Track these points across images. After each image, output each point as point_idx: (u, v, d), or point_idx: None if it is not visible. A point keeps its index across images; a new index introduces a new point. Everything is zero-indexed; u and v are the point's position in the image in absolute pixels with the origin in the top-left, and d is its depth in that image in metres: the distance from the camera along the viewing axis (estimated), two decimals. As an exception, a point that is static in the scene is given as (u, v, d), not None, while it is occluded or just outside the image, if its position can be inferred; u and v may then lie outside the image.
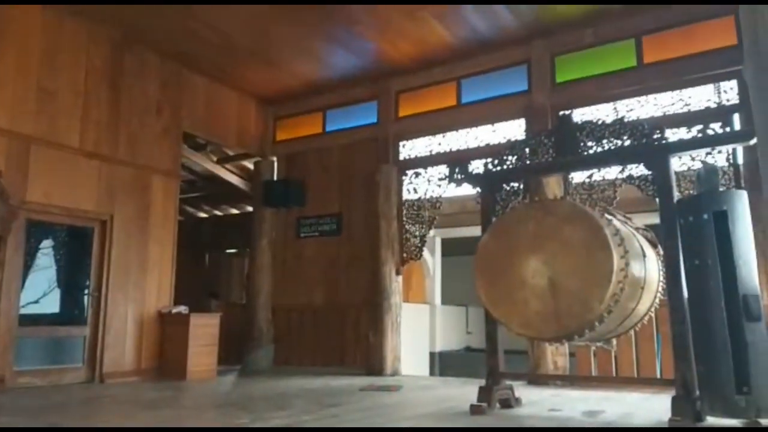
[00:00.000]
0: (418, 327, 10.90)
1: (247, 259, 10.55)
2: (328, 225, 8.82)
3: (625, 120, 6.22)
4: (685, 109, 6.44)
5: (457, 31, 7.24)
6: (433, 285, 12.26)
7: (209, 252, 12.53)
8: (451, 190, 8.23)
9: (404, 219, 8.13)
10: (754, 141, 3.65)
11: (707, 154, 5.76)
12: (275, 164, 9.51)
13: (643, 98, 6.70)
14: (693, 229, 3.98)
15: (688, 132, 6.22)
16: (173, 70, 8.11)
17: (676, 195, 4.35)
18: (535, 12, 6.81)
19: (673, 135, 6.15)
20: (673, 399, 3.93)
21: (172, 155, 8.05)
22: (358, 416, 4.58)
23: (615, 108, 6.85)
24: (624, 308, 4.33)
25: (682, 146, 4.84)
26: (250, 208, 10.10)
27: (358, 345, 8.15)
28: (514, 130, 7.52)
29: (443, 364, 11.67)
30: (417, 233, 8.07)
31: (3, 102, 6.25)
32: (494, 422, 4.31)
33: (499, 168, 5.53)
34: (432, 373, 11.09)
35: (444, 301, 12.55)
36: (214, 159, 10.33)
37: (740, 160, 5.92)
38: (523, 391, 5.40)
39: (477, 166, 7.49)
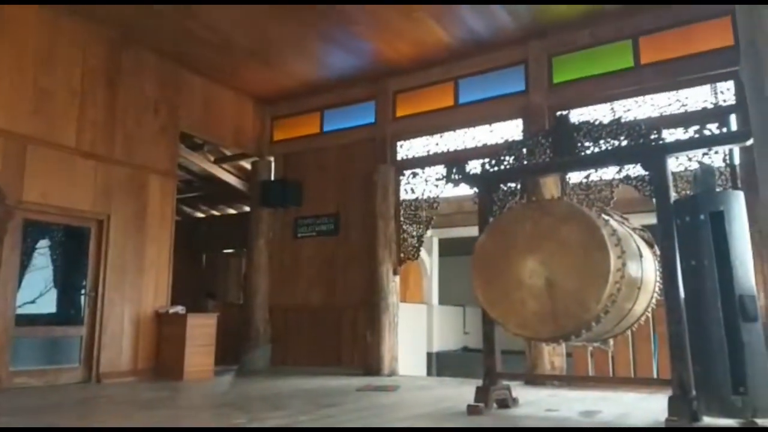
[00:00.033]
0: (416, 327, 10.90)
1: (244, 259, 10.54)
2: (326, 225, 8.82)
3: (622, 120, 6.25)
4: (682, 110, 6.45)
5: (455, 32, 7.24)
6: (430, 285, 12.28)
7: (206, 252, 12.51)
8: (449, 191, 8.24)
9: (402, 219, 8.13)
10: (750, 142, 3.66)
11: (704, 154, 5.76)
12: (272, 164, 9.50)
13: (640, 99, 6.71)
14: (690, 229, 3.99)
15: (685, 132, 6.23)
16: (170, 70, 8.10)
17: (673, 195, 4.35)
18: (532, 12, 6.82)
19: (670, 135, 6.17)
20: (670, 399, 3.94)
21: (169, 155, 8.04)
22: (354, 416, 4.58)
23: (612, 108, 6.85)
24: (621, 308, 4.33)
25: (679, 147, 4.85)
26: (247, 208, 10.09)
27: (356, 345, 8.15)
28: (511, 130, 7.52)
29: (440, 364, 11.68)
30: (414, 233, 8.07)
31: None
32: (491, 422, 4.31)
33: (496, 168, 5.54)
34: (429, 373, 11.10)
35: (441, 302, 12.57)
36: (212, 159, 10.32)
37: (737, 161, 5.93)
38: (520, 392, 5.40)
39: (474, 167, 7.49)
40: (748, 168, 5.66)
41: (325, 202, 8.90)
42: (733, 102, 6.16)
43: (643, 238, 4.90)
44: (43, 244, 6.92)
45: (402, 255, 8.08)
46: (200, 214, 13.13)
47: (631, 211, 5.69)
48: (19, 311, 6.36)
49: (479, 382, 4.84)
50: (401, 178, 8.24)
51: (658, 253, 4.62)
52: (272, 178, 9.40)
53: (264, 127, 9.54)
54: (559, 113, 6.96)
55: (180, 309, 7.55)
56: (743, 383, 3.62)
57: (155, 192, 7.72)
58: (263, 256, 9.09)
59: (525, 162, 5.48)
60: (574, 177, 6.67)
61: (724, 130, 6.01)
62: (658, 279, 4.72)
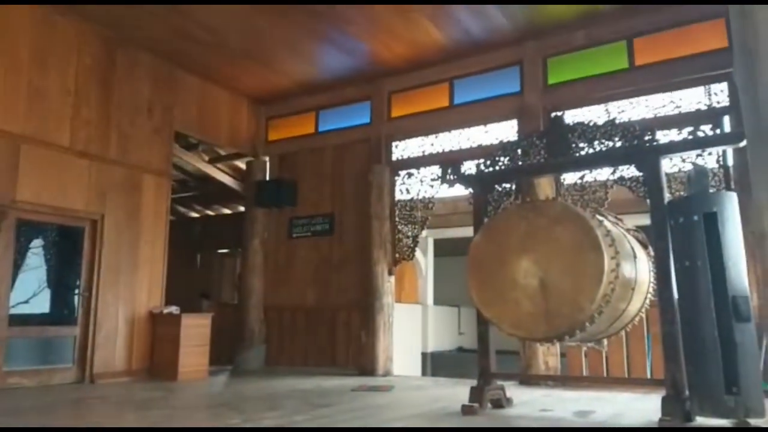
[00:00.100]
0: (411, 327, 10.90)
1: (239, 259, 10.53)
2: (321, 225, 8.82)
3: (617, 121, 6.28)
4: (676, 111, 6.48)
5: (450, 32, 7.25)
6: (425, 285, 12.28)
7: (201, 252, 12.49)
8: (444, 191, 8.25)
9: (397, 219, 8.13)
10: (743, 143, 3.68)
11: (698, 155, 5.79)
12: (267, 164, 9.49)
13: (634, 100, 6.73)
14: (683, 230, 4.00)
15: (678, 134, 6.26)
16: (165, 70, 8.08)
17: (667, 196, 4.37)
18: (527, 13, 6.83)
19: (664, 137, 6.20)
20: (663, 399, 3.96)
21: (164, 155, 8.01)
22: (349, 416, 4.58)
23: (607, 109, 6.87)
24: (615, 309, 4.35)
25: (673, 148, 4.87)
26: (242, 208, 10.08)
27: (350, 345, 8.15)
28: (506, 131, 7.53)
29: (435, 364, 11.69)
30: (409, 233, 8.07)
31: (-7, 100, 6.21)
32: (485, 422, 4.32)
33: (491, 169, 5.56)
34: (424, 373, 11.10)
35: (436, 302, 12.57)
36: (206, 159, 10.30)
37: (730, 162, 5.96)
38: (514, 392, 5.41)
39: (469, 167, 7.52)
40: (742, 169, 5.68)
41: (320, 202, 8.90)
42: (727, 104, 6.19)
43: (637, 238, 4.92)
44: (37, 243, 6.89)
45: (397, 255, 8.08)
46: (195, 214, 13.11)
47: (625, 212, 5.71)
48: (13, 311, 6.33)
49: (474, 382, 4.85)
50: (396, 178, 8.25)
51: (651, 253, 4.64)
52: (267, 178, 9.39)
53: (259, 127, 9.53)
54: (553, 114, 7.00)
55: (174, 309, 7.53)
56: (736, 383, 3.64)
57: (150, 192, 7.70)
58: (258, 256, 9.08)
59: (520, 163, 5.50)
60: (569, 178, 6.68)
61: (718, 131, 6.03)
62: (651, 280, 4.74)
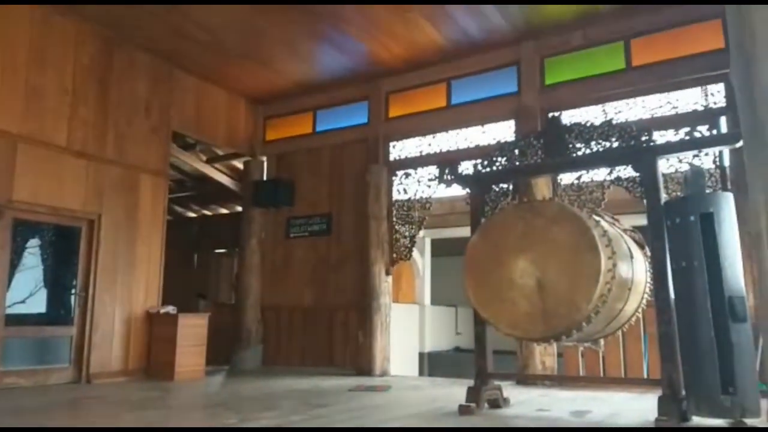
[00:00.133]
0: (408, 327, 10.91)
1: (236, 259, 10.50)
2: (318, 225, 8.81)
3: (614, 122, 6.29)
4: (673, 112, 6.49)
5: (448, 33, 7.25)
6: (422, 285, 12.29)
7: (198, 252, 12.46)
8: (441, 191, 8.25)
9: (394, 219, 8.13)
10: (740, 144, 3.69)
11: (694, 156, 5.80)
12: (265, 164, 9.49)
13: (631, 100, 6.74)
14: (680, 230, 4.01)
15: (675, 134, 6.27)
16: (162, 69, 8.06)
17: (664, 197, 4.38)
18: (524, 14, 6.84)
19: (660, 137, 6.21)
20: (660, 399, 3.97)
21: (161, 154, 8.00)
22: (346, 416, 4.58)
23: (604, 110, 6.88)
24: (611, 309, 4.36)
25: (670, 148, 4.87)
26: (239, 208, 10.06)
27: (348, 345, 8.15)
28: (503, 131, 7.53)
29: (432, 364, 11.69)
30: (407, 233, 8.08)
31: (-11, 100, 6.20)
32: (482, 422, 4.33)
33: (488, 169, 5.57)
34: (421, 373, 11.11)
35: (433, 302, 12.58)
36: (204, 158, 10.28)
37: (727, 163, 5.97)
38: (511, 392, 5.42)
39: (467, 167, 7.54)
40: (738, 170, 5.70)
41: (318, 202, 8.89)
42: (724, 104, 6.20)
43: (633, 239, 4.93)
44: (34, 243, 6.87)
45: (394, 255, 8.08)
46: (192, 214, 13.08)
47: (622, 212, 5.72)
48: (9, 311, 6.31)
49: (471, 382, 4.86)
50: (394, 178, 8.25)
51: (648, 254, 4.65)
52: (264, 177, 9.39)
53: (256, 127, 9.53)
54: (551, 114, 7.01)
55: (171, 309, 7.52)
56: (732, 383, 3.65)
57: (147, 191, 7.69)
58: (255, 256, 9.08)
59: (517, 163, 5.51)
60: (566, 178, 6.69)
61: (715, 132, 6.05)
62: (648, 280, 4.75)
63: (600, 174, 6.36)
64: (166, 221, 7.99)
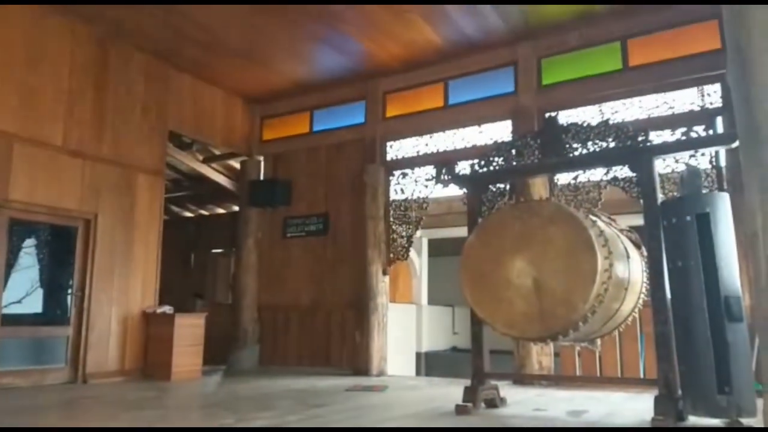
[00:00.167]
0: (405, 327, 10.91)
1: (233, 258, 10.49)
2: (315, 225, 8.81)
3: (610, 122, 6.27)
4: (670, 112, 6.51)
5: (445, 33, 7.26)
6: (419, 285, 12.28)
7: (195, 252, 12.45)
8: (438, 191, 8.25)
9: (391, 219, 8.13)
10: (736, 144, 3.69)
11: (691, 156, 5.81)
12: (262, 164, 9.48)
13: (628, 101, 6.76)
14: (676, 230, 4.02)
15: (672, 134, 6.28)
16: (159, 68, 8.05)
17: (660, 197, 4.39)
18: (521, 14, 6.84)
19: (657, 137, 6.22)
20: (656, 399, 3.98)
21: (158, 154, 7.99)
22: (343, 416, 4.58)
23: (600, 110, 6.90)
24: (608, 309, 4.37)
25: (666, 149, 4.89)
26: (236, 208, 10.06)
27: (345, 345, 8.15)
28: (500, 131, 7.54)
29: (429, 364, 11.69)
30: (404, 233, 8.08)
31: (-15, 99, 6.18)
32: (479, 422, 4.33)
33: (485, 169, 5.56)
34: (418, 373, 11.10)
35: (430, 302, 12.58)
36: (200, 158, 10.26)
37: (723, 163, 5.99)
38: (508, 391, 5.43)
39: (464, 167, 7.53)
40: (734, 170, 5.71)
41: (315, 202, 8.89)
42: (720, 105, 6.22)
43: (630, 239, 4.94)
44: (30, 243, 6.86)
45: (391, 255, 8.08)
46: (189, 214, 13.06)
47: (618, 212, 5.73)
48: (5, 311, 6.30)
49: (468, 382, 4.86)
50: (391, 178, 8.25)
51: (644, 254, 4.66)
52: (261, 177, 9.38)
53: (253, 127, 9.52)
54: (547, 115, 6.99)
55: (168, 309, 7.51)
56: (728, 383, 3.66)
57: (143, 191, 7.67)
58: (252, 255, 9.07)
59: (514, 163, 5.50)
60: (563, 178, 6.71)
61: (711, 132, 6.07)
62: (644, 280, 4.76)
63: (597, 174, 6.36)
64: (163, 221, 7.98)
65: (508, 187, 6.42)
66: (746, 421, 3.65)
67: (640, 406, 4.76)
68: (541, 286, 4.25)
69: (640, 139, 4.92)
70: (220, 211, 12.57)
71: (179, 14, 6.87)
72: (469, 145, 7.74)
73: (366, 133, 8.50)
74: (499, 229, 4.63)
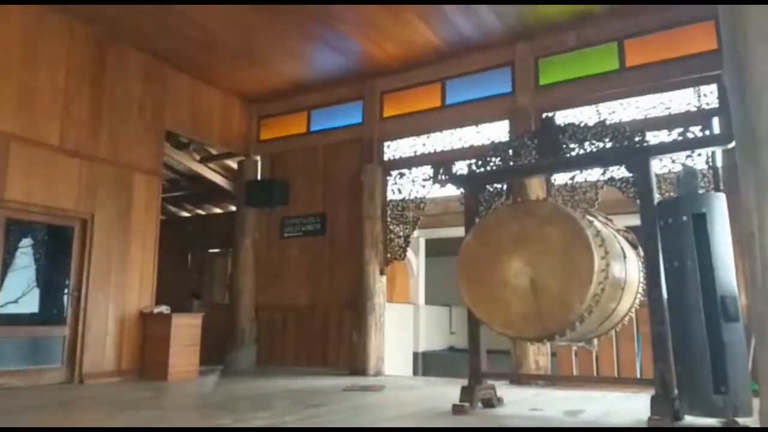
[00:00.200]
0: (402, 327, 10.90)
1: (230, 258, 10.49)
2: (312, 225, 8.80)
3: (607, 123, 6.31)
4: (666, 113, 6.52)
5: (442, 33, 7.26)
6: (416, 285, 12.28)
7: (192, 252, 12.44)
8: (435, 191, 8.25)
9: (388, 219, 8.13)
10: (732, 144, 3.71)
11: (687, 156, 5.83)
12: (259, 164, 9.46)
13: (625, 101, 6.76)
14: (672, 230, 4.03)
15: (668, 135, 6.30)
16: (156, 68, 8.03)
17: (657, 197, 4.40)
18: (519, 14, 6.85)
19: (654, 138, 6.24)
20: (653, 398, 3.99)
21: (155, 154, 7.97)
22: (340, 416, 4.58)
23: (597, 110, 6.90)
24: (605, 308, 4.37)
25: (663, 149, 4.90)
26: (233, 208, 10.05)
27: (342, 345, 8.14)
28: (497, 131, 7.55)
29: (426, 364, 11.69)
30: (401, 233, 8.08)
31: (-18, 98, 6.16)
32: (476, 422, 4.33)
33: (482, 169, 5.58)
34: (415, 373, 11.10)
35: (428, 302, 12.58)
36: (197, 158, 10.26)
37: (719, 163, 6.00)
38: (505, 391, 5.43)
39: (461, 167, 7.55)
40: (731, 170, 5.72)
41: (312, 202, 8.88)
42: (716, 105, 6.24)
43: (626, 239, 4.95)
44: (26, 243, 6.84)
45: (389, 255, 8.08)
46: (186, 214, 13.06)
47: (615, 212, 5.74)
48: (1, 311, 6.29)
49: (465, 382, 4.86)
50: (388, 178, 8.25)
51: (641, 254, 4.67)
52: (258, 177, 9.37)
53: (250, 127, 9.51)
54: (545, 115, 7.02)
55: (165, 309, 7.50)
56: (724, 383, 3.66)
57: (140, 191, 7.66)
58: (249, 256, 9.06)
59: (511, 163, 5.52)
60: (560, 178, 6.71)
61: (707, 132, 6.08)
62: (641, 280, 4.77)
63: (593, 174, 6.37)
64: (160, 221, 7.97)
65: (505, 187, 6.45)
66: (742, 421, 3.66)
67: (636, 405, 4.77)
68: (538, 286, 4.26)
69: (636, 139, 4.95)
70: (218, 211, 12.57)
71: (178, 14, 6.86)
72: (466, 145, 7.74)
73: (363, 133, 8.50)
74: (496, 229, 4.64)
